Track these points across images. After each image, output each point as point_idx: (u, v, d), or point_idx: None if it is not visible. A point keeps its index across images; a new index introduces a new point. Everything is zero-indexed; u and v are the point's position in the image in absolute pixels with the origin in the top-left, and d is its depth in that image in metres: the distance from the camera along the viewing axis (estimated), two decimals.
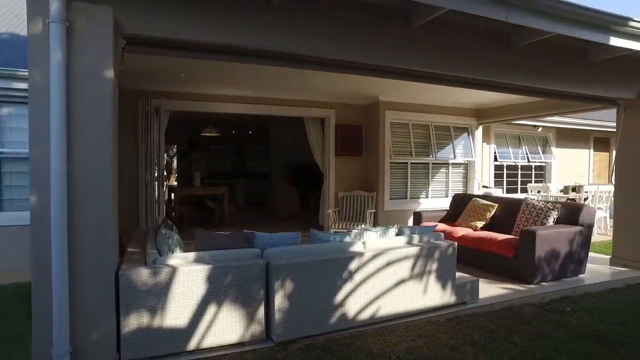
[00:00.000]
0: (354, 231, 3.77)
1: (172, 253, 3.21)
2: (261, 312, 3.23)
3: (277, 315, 3.20)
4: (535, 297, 4.51)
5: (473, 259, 5.56)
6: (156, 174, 6.80)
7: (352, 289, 3.46)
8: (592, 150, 11.97)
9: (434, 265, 3.82)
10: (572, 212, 5.26)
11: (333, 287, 3.38)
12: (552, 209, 5.32)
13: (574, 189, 9.69)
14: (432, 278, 3.83)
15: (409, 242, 3.81)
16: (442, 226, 6.24)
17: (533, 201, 5.63)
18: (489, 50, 4.48)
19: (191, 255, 3.14)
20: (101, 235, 2.79)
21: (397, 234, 3.96)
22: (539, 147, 11.05)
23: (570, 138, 11.45)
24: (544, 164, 11.14)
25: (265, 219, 10.28)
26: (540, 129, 10.35)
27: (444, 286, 3.91)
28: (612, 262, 5.95)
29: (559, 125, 10.50)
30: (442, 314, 3.90)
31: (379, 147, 7.82)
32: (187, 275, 3.00)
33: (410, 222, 7.76)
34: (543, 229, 4.94)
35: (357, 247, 3.55)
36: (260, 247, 3.50)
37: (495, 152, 10.09)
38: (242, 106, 7.33)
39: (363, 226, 6.64)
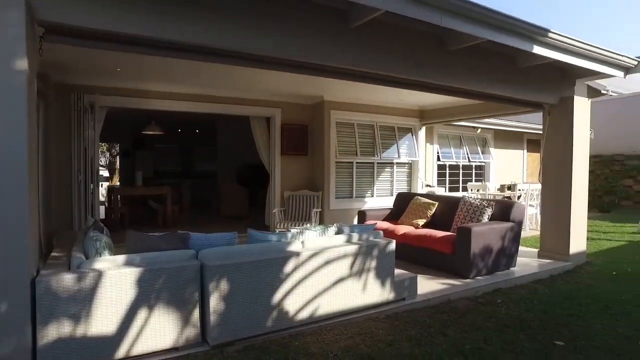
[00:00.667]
0: (293, 230, 3.76)
1: (100, 256, 3.04)
2: (196, 315, 3.14)
3: (213, 318, 3.12)
4: (470, 291, 4.71)
5: (414, 255, 5.72)
6: (91, 173, 6.44)
7: (290, 288, 3.44)
8: (525, 151, 12.73)
9: (373, 263, 3.88)
10: (504, 209, 5.55)
11: (271, 287, 3.35)
12: (487, 207, 5.58)
13: (509, 188, 10.25)
14: (371, 275, 3.89)
15: (348, 241, 3.85)
16: (385, 224, 6.38)
17: (470, 199, 5.88)
18: (427, 53, 4.63)
19: (120, 258, 2.99)
20: (14, 238, 2.58)
21: (337, 233, 3.99)
22: (478, 148, 11.59)
23: (507, 139, 12.11)
24: (483, 164, 11.70)
25: (211, 220, 10.05)
26: (479, 130, 10.86)
27: (383, 283, 3.98)
28: (540, 255, 6.34)
29: (496, 127, 11.08)
30: (381, 311, 3.97)
31: (324, 146, 7.87)
32: (116, 280, 2.85)
33: (356, 221, 7.87)
34: (478, 225, 5.17)
35: (295, 247, 3.53)
36: (195, 248, 3.40)
37: (438, 152, 10.47)
38: (186, 104, 7.12)
39: (308, 225, 6.65)
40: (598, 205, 13.90)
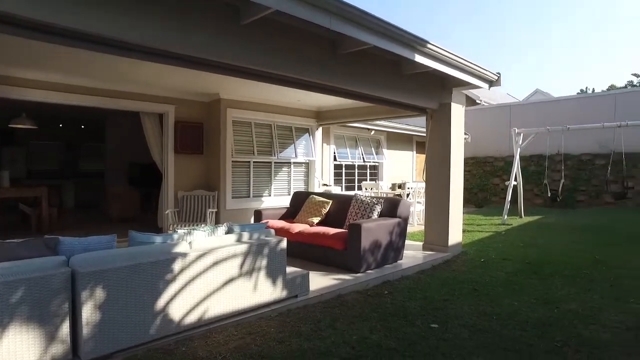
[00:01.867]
0: (180, 231, 3.59)
1: None
2: (66, 328, 2.83)
3: (86, 330, 2.84)
4: (361, 285, 4.94)
5: (309, 253, 5.84)
6: None
7: (176, 292, 3.28)
8: (414, 152, 13.77)
9: (264, 262, 3.87)
10: (392, 206, 5.93)
11: (155, 292, 3.16)
12: (376, 204, 5.92)
13: (399, 186, 11.00)
14: (263, 274, 3.88)
15: (239, 240, 3.79)
16: (281, 223, 6.42)
17: (361, 197, 6.18)
18: (320, 55, 4.75)
19: None
20: None
21: (227, 233, 3.91)
22: (372, 149, 12.24)
23: (398, 141, 12.98)
24: (377, 164, 12.39)
25: (97, 223, 9.19)
26: (373, 132, 11.48)
27: (274, 281, 3.99)
28: (424, 248, 6.90)
29: (389, 130, 11.81)
30: (273, 309, 3.98)
31: (220, 145, 7.67)
32: None
33: (252, 221, 7.80)
34: (368, 222, 5.45)
35: (182, 248, 3.38)
36: (67, 253, 3.06)
37: (334, 152, 10.83)
38: (65, 95, 6.38)
39: (204, 226, 6.41)
40: (474, 201, 15.58)
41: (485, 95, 19.98)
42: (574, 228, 9.33)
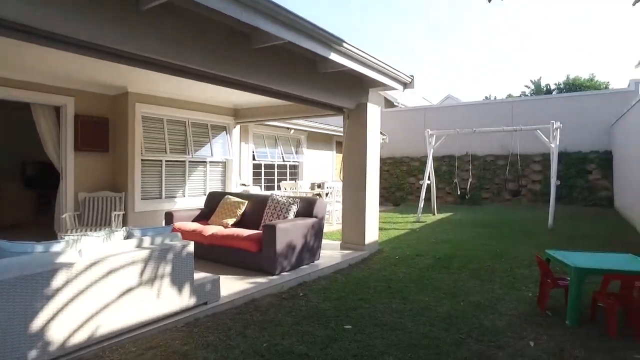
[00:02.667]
0: (68, 238, 3.18)
1: None
2: None
3: None
4: (275, 287, 4.79)
5: (222, 256, 5.58)
6: None
7: (61, 308, 2.88)
8: (334, 152, 13.94)
9: (168, 268, 3.57)
10: (308, 206, 5.86)
11: (32, 309, 2.74)
12: (293, 204, 5.81)
13: (319, 186, 11.04)
14: (167, 282, 3.57)
15: (139, 246, 3.46)
16: (193, 225, 6.07)
17: (277, 197, 6.04)
18: (233, 48, 4.52)
19: None
20: None
21: (126, 238, 3.55)
22: (292, 148, 12.17)
23: (318, 141, 13.04)
24: (297, 163, 12.34)
25: None
26: (292, 131, 11.40)
27: (181, 289, 3.71)
28: (342, 247, 6.94)
29: (309, 129, 11.81)
30: (180, 319, 3.69)
31: (128, 143, 7.09)
32: None
33: (163, 223, 7.32)
34: (283, 222, 5.32)
35: (68, 257, 2.98)
36: None
37: (253, 152, 10.58)
38: None
39: (108, 230, 5.84)
40: (392, 199, 16.18)
41: (402, 98, 20.93)
42: (479, 223, 10.02)
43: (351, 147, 6.91)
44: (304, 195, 10.39)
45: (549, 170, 12.76)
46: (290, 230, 5.30)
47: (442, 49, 72.07)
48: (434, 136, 11.25)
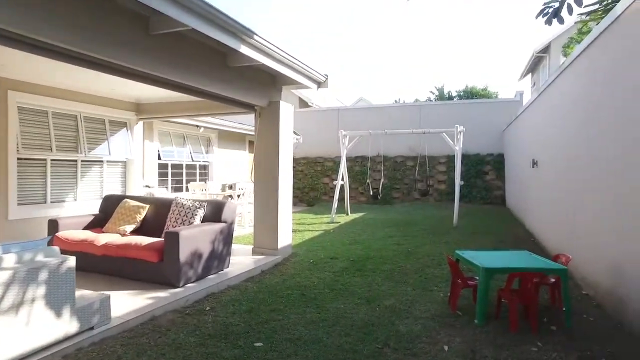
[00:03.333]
0: None
1: None
2: None
3: None
4: (179, 302, 4.31)
5: (118, 268, 4.94)
6: None
7: None
8: (247, 151, 13.48)
9: (41, 290, 2.96)
10: (216, 209, 5.43)
11: None
12: (199, 207, 5.34)
13: (230, 187, 10.54)
14: (39, 308, 2.96)
15: None
16: (84, 234, 5.31)
17: (182, 200, 5.52)
18: (128, 33, 3.96)
19: None
20: None
21: None
22: (202, 147, 11.50)
23: (231, 140, 12.49)
24: (207, 163, 11.68)
25: None
26: (202, 129, 10.74)
27: (59, 314, 3.11)
28: (254, 252, 6.59)
29: (220, 127, 11.22)
30: (57, 351, 3.09)
31: None
32: None
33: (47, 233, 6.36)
34: (187, 228, 4.84)
35: None
36: None
37: (159, 151, 9.77)
38: None
39: None
40: (306, 200, 16.12)
41: (317, 99, 21.05)
42: (390, 223, 10.29)
43: (263, 146, 6.59)
44: (215, 197, 9.84)
45: (454, 171, 13.61)
46: (195, 237, 4.84)
47: (355, 57, 74.46)
48: (347, 137, 11.35)
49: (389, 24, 79.89)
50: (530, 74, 28.19)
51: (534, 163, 8.09)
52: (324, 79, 6.87)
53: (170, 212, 5.46)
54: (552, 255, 6.18)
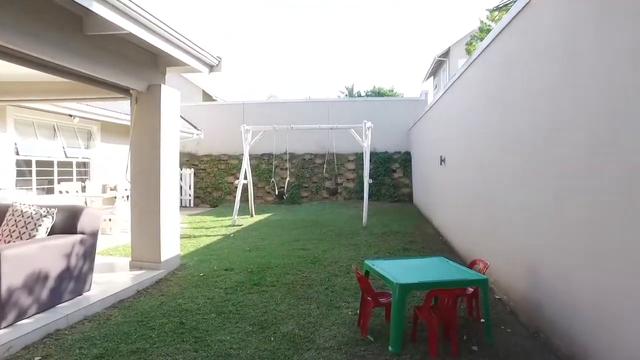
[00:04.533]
0: None
1: None
2: None
3: None
4: None
5: None
6: None
7: None
8: None
9: None
10: (69, 218, 4.22)
11: None
12: (45, 216, 4.10)
13: (112, 188, 9.04)
14: None
15: None
16: None
17: (22, 207, 4.22)
18: None
19: None
20: None
21: None
22: (81, 141, 9.79)
23: (117, 133, 10.84)
24: (87, 160, 9.99)
25: None
26: (76, 119, 9.06)
27: None
28: (132, 266, 5.44)
29: (103, 119, 9.59)
30: None
31: None
32: None
33: None
34: (18, 246, 3.61)
35: None
36: None
37: (16, 144, 7.99)
38: None
39: None
40: (209, 200, 14.86)
41: (224, 94, 19.69)
42: (298, 224, 9.60)
43: (141, 139, 5.45)
44: (92, 200, 8.34)
45: (362, 169, 13.36)
46: (33, 256, 3.63)
47: (266, 54, 73.20)
48: (250, 132, 10.42)
49: (301, 23, 79.93)
50: (432, 77, 29.62)
51: (442, 160, 7.94)
52: (217, 62, 5.92)
53: (4, 222, 4.13)
54: (466, 258, 5.93)
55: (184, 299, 4.39)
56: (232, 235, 8.39)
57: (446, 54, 25.13)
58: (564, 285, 3.02)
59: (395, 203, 13.66)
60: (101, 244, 7.03)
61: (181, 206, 14.32)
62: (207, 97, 18.51)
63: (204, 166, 15.30)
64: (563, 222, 3.06)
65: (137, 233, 5.49)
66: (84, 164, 9.95)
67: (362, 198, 10.45)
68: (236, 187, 10.51)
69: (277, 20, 77.95)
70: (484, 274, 3.51)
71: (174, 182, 5.72)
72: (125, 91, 5.37)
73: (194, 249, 7.06)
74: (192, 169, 15.06)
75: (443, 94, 7.92)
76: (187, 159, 15.32)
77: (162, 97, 5.38)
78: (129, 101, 5.51)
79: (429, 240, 7.61)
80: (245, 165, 10.43)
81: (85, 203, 8.33)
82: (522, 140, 3.89)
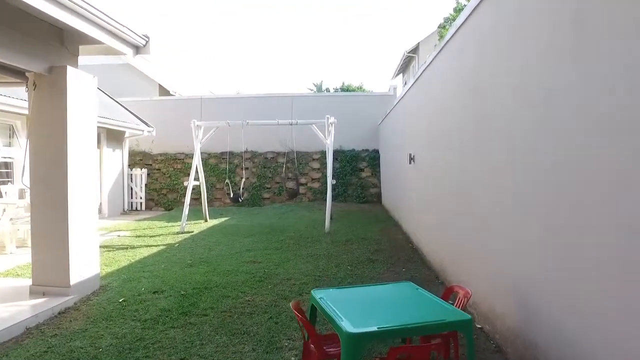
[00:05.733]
0: None
1: None
2: None
3: None
4: None
5: None
6: None
7: None
8: None
9: None
10: None
11: None
12: None
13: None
14: None
15: None
16: None
17: None
18: None
19: None
20: None
21: None
22: (1, 139, 8.51)
23: None
24: (10, 160, 8.71)
25: None
26: None
27: None
28: (33, 292, 4.39)
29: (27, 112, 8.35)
30: None
31: None
32: None
33: None
34: None
35: None
36: None
37: None
38: None
39: None
40: (163, 203, 13.69)
41: (183, 89, 18.37)
42: (254, 230, 8.66)
43: (42, 133, 4.41)
44: (6, 207, 7.13)
45: (333, 167, 12.52)
46: None
47: (231, 51, 71.47)
48: (202, 128, 9.38)
49: (268, 20, 78.49)
50: (401, 73, 29.14)
51: (411, 158, 7.17)
52: (144, 42, 4.93)
53: None
54: (439, 272, 5.15)
55: (83, 341, 3.40)
56: (176, 245, 7.36)
57: (415, 49, 24.63)
58: (576, 323, 2.24)
59: (363, 204, 12.89)
60: (11, 261, 5.92)
61: (131, 209, 13.10)
62: (164, 92, 17.22)
63: (159, 166, 14.09)
64: (571, 231, 2.28)
65: (39, 250, 4.43)
66: (6, 165, 8.67)
67: (326, 199, 9.60)
68: (194, 188, 9.46)
69: (245, 18, 76.28)
70: (465, 305, 2.69)
71: (88, 185, 4.68)
72: (18, 74, 4.31)
73: (127, 263, 6.02)
74: (146, 169, 13.84)
75: (413, 83, 7.14)
76: (141, 158, 14.07)
77: (68, 81, 4.34)
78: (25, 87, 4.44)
79: (397, 247, 6.83)
80: (196, 163, 9.38)
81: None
82: (508, 126, 3.10)
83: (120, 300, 4.37)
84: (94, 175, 4.84)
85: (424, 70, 6.18)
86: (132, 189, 13.24)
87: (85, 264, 4.61)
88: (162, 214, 12.07)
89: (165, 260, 6.16)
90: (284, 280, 5.05)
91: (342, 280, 5.01)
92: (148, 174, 13.91)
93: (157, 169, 14.08)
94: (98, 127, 10.75)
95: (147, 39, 4.95)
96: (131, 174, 13.29)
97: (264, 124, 9.78)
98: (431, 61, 5.67)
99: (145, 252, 6.75)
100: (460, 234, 4.36)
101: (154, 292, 4.65)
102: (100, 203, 11.48)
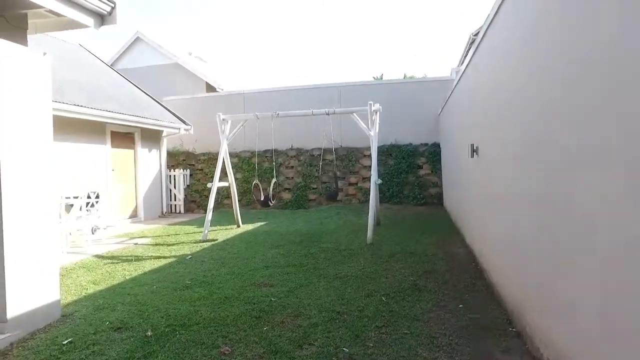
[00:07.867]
0: None
1: None
2: None
3: None
4: None
5: None
6: None
7: None
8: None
9: None
10: None
11: None
12: None
13: None
14: None
15: None
16: None
17: None
18: None
19: None
20: None
21: None
22: None
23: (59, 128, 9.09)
24: None
25: None
26: None
27: None
28: None
29: None
30: None
31: None
32: None
33: None
34: None
35: None
36: None
37: None
38: None
39: None
40: (204, 205, 12.96)
41: (228, 85, 17.64)
42: (286, 238, 7.42)
43: None
44: None
45: (380, 165, 11.01)
46: None
47: (296, 46, 71.39)
48: (229, 122, 8.32)
49: (325, 13, 77.50)
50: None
51: (474, 150, 5.50)
52: (108, 9, 3.84)
53: None
54: (515, 325, 3.51)
55: None
56: (189, 257, 6.30)
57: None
58: None
59: (421, 206, 11.18)
60: None
61: (171, 212, 12.49)
62: (210, 89, 16.66)
63: (201, 166, 13.43)
64: None
65: None
66: None
67: (381, 200, 8.09)
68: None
69: (302, 11, 75.86)
70: None
71: (38, 190, 3.66)
72: None
73: (118, 282, 5.04)
74: (188, 170, 13.24)
75: (473, 54, 5.47)
76: (184, 158, 13.51)
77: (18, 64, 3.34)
78: None
79: (456, 268, 5.21)
80: (222, 162, 8.35)
81: None
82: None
83: (65, 342, 3.30)
84: (50, 176, 3.82)
85: (485, 31, 4.51)
86: (170, 191, 12.64)
87: (35, 290, 3.61)
88: (199, 217, 11.27)
89: (162, 279, 5.09)
90: (290, 317, 3.71)
91: (367, 323, 3.55)
92: (190, 175, 13.29)
93: (200, 169, 13.42)
94: (130, 126, 10.25)
95: (112, 5, 3.86)
96: (171, 176, 12.71)
97: (296, 115, 8.50)
98: (493, 18, 4.02)
99: (148, 267, 5.76)
100: (549, 255, 2.73)
101: (117, 329, 3.53)
102: (136, 206, 10.93)
